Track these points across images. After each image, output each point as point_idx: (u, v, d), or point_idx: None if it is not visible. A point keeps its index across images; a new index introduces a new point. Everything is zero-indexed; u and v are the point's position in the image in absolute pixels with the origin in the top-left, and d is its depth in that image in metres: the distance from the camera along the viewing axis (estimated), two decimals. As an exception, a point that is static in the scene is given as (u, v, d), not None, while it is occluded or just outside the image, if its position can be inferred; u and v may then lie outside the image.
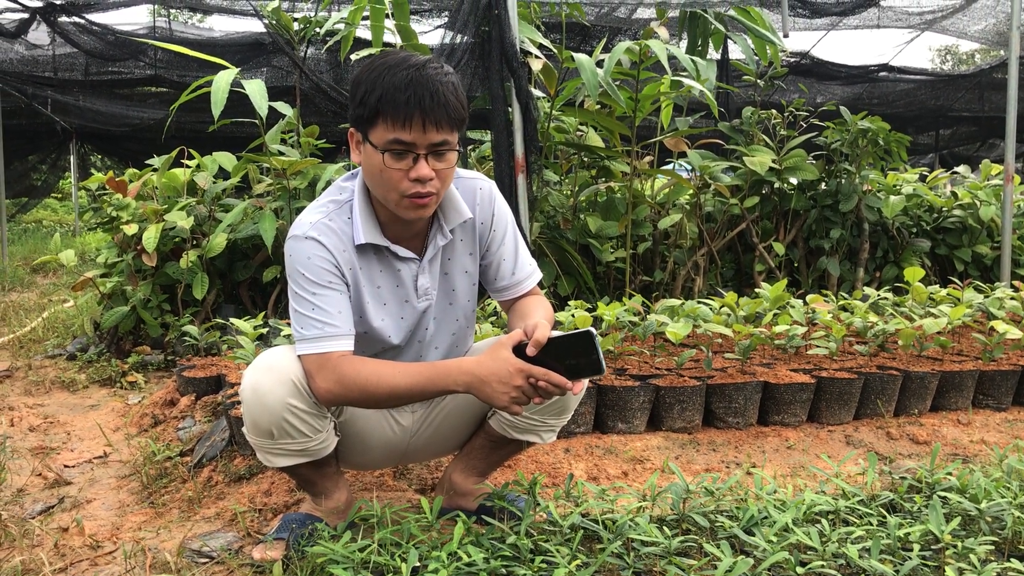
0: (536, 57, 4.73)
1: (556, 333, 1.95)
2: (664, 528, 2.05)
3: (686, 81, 4.73)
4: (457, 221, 2.17)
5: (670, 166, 6.21)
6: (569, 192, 5.61)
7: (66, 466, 3.20)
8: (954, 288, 4.64)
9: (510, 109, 4.71)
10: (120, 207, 5.14)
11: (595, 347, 1.86)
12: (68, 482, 3.02)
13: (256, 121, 4.62)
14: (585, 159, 5.63)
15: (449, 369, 1.98)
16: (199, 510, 2.67)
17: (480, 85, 5.01)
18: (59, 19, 8.32)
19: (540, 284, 2.39)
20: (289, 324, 3.51)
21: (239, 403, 3.11)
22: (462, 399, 2.34)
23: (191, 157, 5.50)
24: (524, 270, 2.31)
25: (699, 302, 4.03)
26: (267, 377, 2.03)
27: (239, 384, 3.42)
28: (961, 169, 7.14)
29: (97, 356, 4.91)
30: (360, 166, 2.07)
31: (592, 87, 4.34)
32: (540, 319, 2.05)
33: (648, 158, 6.03)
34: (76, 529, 2.54)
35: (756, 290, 4.42)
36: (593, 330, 1.88)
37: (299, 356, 2.03)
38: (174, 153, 5.30)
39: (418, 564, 1.86)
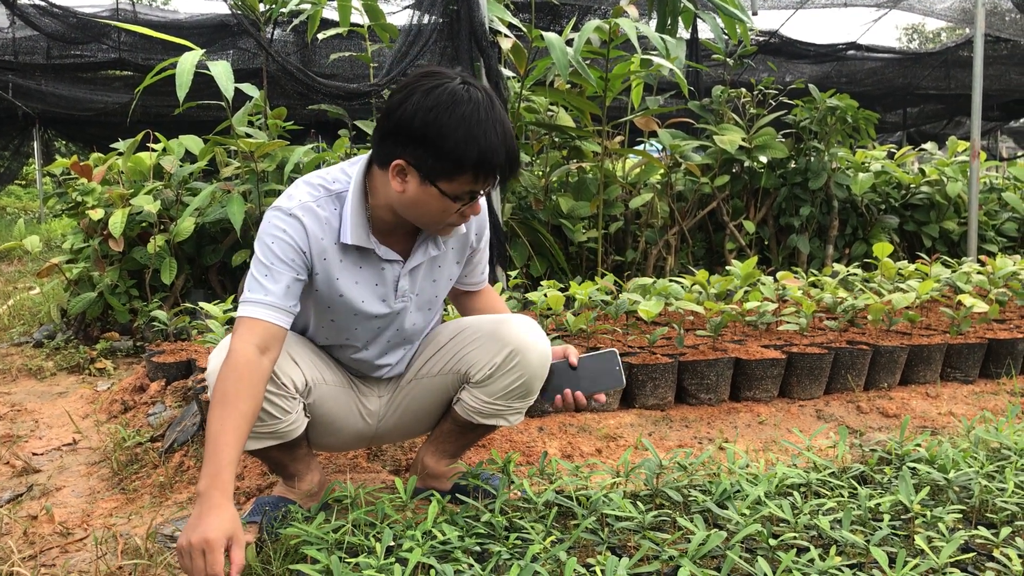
0: (506, 36, 4.70)
1: (584, 355, 2.25)
2: (638, 503, 2.06)
3: (656, 60, 4.73)
4: (453, 236, 2.20)
5: (641, 146, 6.20)
6: (541, 173, 5.60)
7: (34, 454, 3.16)
8: (922, 263, 4.68)
9: (480, 89, 4.67)
10: (85, 192, 5.06)
11: (617, 363, 2.21)
12: (37, 470, 2.99)
13: (222, 104, 4.56)
14: (556, 139, 5.62)
15: (211, 472, 1.77)
16: (171, 495, 2.65)
17: (449, 65, 4.97)
18: (19, 1, 8.15)
19: (512, 265, 2.43)
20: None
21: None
22: (426, 383, 2.33)
23: (157, 141, 5.42)
24: (485, 271, 2.42)
25: (671, 280, 4.04)
26: None
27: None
28: (928, 146, 7.21)
29: (64, 343, 4.85)
30: (390, 188, 2.00)
31: (562, 66, 4.32)
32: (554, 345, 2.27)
33: (619, 138, 6.02)
34: (45, 517, 2.50)
35: (727, 268, 4.44)
36: (615, 350, 2.22)
37: (236, 316, 1.99)
38: (139, 136, 5.22)
39: (393, 543, 1.86)
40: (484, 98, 1.90)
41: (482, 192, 1.98)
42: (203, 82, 4.76)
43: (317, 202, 2.06)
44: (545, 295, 3.66)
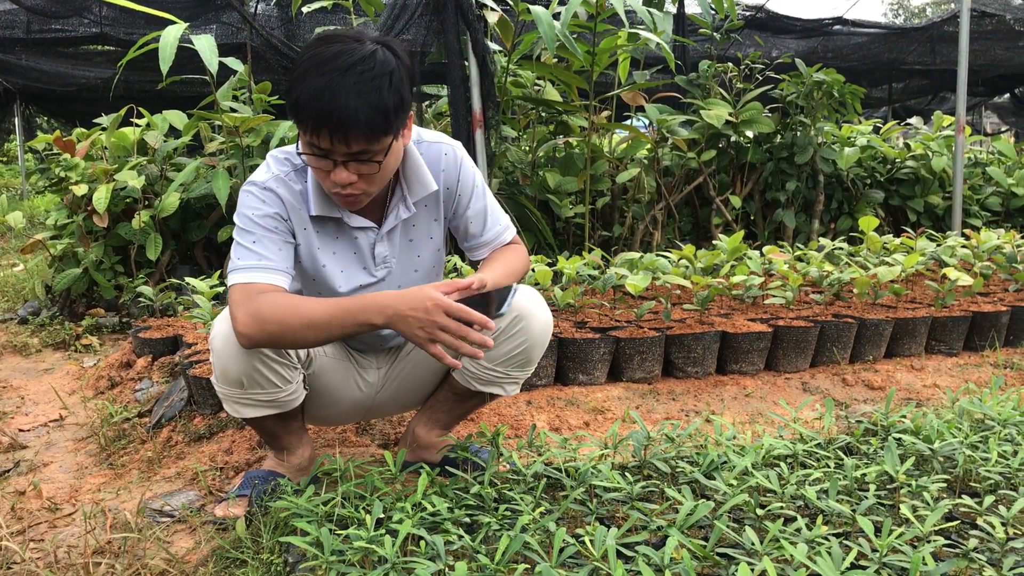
0: (492, 10, 4.67)
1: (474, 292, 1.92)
2: (626, 474, 2.07)
3: (643, 33, 4.70)
4: (422, 194, 2.13)
5: (629, 121, 6.19)
6: (527, 148, 5.58)
7: (21, 430, 3.15)
8: (907, 237, 4.71)
9: (466, 63, 4.65)
10: (69, 167, 5.01)
11: (508, 298, 1.93)
12: (24, 446, 2.98)
13: (206, 78, 4.51)
14: (543, 114, 5.60)
15: (369, 302, 1.86)
16: (159, 470, 2.64)
17: (435, 39, 4.94)
18: (-2, -26, 8.03)
19: None
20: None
21: (197, 363, 3.08)
22: (424, 353, 2.33)
23: (140, 116, 5.37)
24: (493, 230, 2.27)
25: (658, 255, 4.05)
26: None
27: (196, 344, 3.38)
28: (914, 121, 7.23)
29: (50, 320, 4.82)
30: None
31: (549, 40, 4.30)
32: (491, 273, 2.06)
33: (606, 113, 6.00)
34: (33, 492, 2.50)
35: (714, 242, 4.45)
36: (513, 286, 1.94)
37: (229, 287, 1.96)
38: (123, 111, 5.17)
39: (382, 515, 1.86)
40: (343, 58, 1.80)
41: (333, 153, 1.85)
42: (186, 57, 4.72)
43: (287, 176, 2.05)
44: (533, 270, 3.66)
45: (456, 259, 3.95)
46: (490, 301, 1.87)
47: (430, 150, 2.16)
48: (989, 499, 1.81)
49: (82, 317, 4.77)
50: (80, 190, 4.71)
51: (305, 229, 2.08)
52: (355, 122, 1.78)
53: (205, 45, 4.19)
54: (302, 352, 2.11)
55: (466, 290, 1.88)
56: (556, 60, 5.21)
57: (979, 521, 1.79)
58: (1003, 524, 1.77)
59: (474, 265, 2.38)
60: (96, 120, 5.50)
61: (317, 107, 1.79)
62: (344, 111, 1.78)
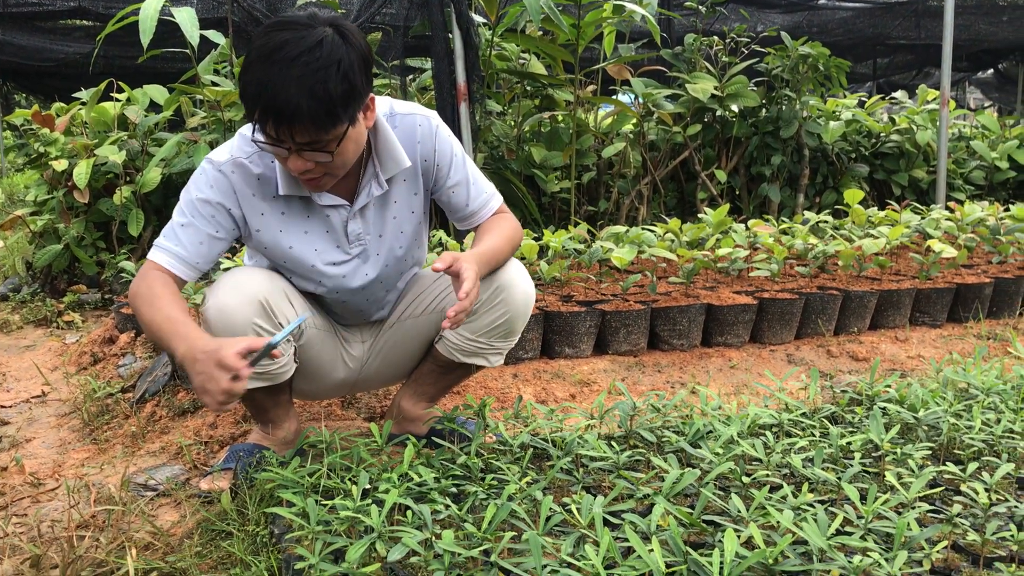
0: (476, -19, 4.63)
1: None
2: (612, 444, 2.07)
3: (628, 5, 4.67)
4: (395, 170, 2.08)
5: (614, 96, 6.16)
6: (513, 122, 5.55)
7: (3, 406, 3.12)
8: (892, 210, 4.72)
9: (450, 36, 4.61)
10: (48, 142, 4.95)
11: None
12: (5, 422, 2.95)
13: (187, 52, 4.46)
14: (528, 88, 5.56)
15: (182, 334, 1.81)
16: (143, 445, 2.63)
17: (419, 12, 4.89)
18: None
19: None
20: (230, 258, 3.45)
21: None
22: (410, 324, 2.33)
23: (120, 91, 5.30)
24: (479, 199, 2.23)
25: (644, 228, 4.04)
26: (233, 297, 1.99)
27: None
28: (898, 94, 7.23)
29: (31, 296, 4.78)
30: None
31: (535, 12, 4.27)
32: (484, 245, 2.05)
33: (591, 87, 5.97)
34: (16, 468, 2.48)
35: (699, 216, 4.44)
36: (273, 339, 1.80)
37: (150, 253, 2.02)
38: (102, 86, 5.10)
39: (369, 486, 1.86)
40: (286, 50, 1.75)
41: (277, 140, 1.83)
42: (167, 31, 4.65)
43: (250, 158, 2.02)
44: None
45: (441, 233, 3.93)
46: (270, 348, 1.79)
47: (404, 122, 2.11)
48: (973, 466, 1.82)
49: (64, 293, 4.72)
50: (60, 165, 4.65)
51: (263, 214, 2.05)
52: (297, 115, 1.75)
53: (186, 18, 4.14)
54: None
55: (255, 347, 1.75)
56: (541, 33, 5.17)
57: (963, 487, 1.81)
58: (986, 490, 1.78)
59: (462, 236, 2.37)
60: (76, 96, 5.43)
61: (261, 100, 1.76)
62: (286, 105, 1.74)
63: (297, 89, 1.73)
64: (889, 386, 2.55)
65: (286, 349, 2.10)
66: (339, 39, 1.80)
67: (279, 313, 2.04)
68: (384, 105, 2.10)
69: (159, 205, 4.99)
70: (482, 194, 2.24)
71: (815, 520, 1.52)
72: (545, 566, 1.42)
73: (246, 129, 2.02)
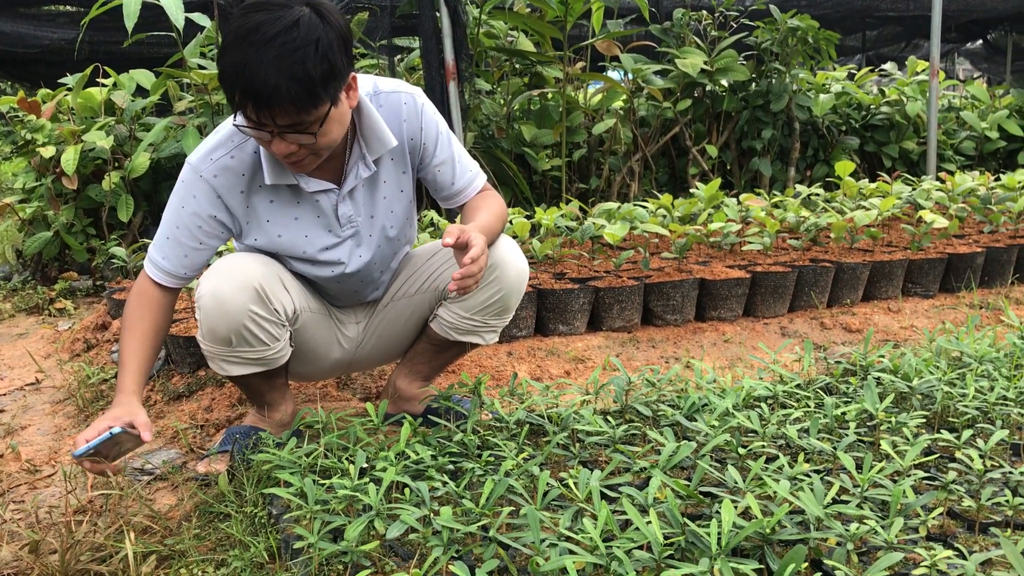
0: (462, -41, 4.59)
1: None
2: (608, 419, 2.07)
3: (616, -19, 4.65)
4: (381, 151, 2.06)
5: (604, 72, 6.13)
6: (502, 100, 5.52)
7: (-3, 394, 3.12)
8: (883, 182, 4.72)
9: (438, 14, 4.58)
10: (35, 129, 4.91)
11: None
12: (0, 410, 2.95)
13: (173, 36, 4.42)
14: (517, 66, 5.53)
15: (119, 384, 1.98)
16: (139, 429, 2.62)
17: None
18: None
19: None
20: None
21: (174, 322, 3.04)
22: (403, 304, 2.33)
23: (107, 76, 5.26)
24: (464, 177, 2.22)
25: (635, 204, 4.04)
26: (228, 283, 1.98)
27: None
28: (888, 66, 7.22)
29: (22, 284, 4.76)
30: None
31: (521, -12, 4.24)
32: (477, 222, 2.04)
33: (580, 63, 5.94)
34: (12, 455, 2.48)
35: (691, 192, 4.44)
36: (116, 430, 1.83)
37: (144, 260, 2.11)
38: (88, 71, 5.06)
39: (366, 465, 1.86)
40: (262, 32, 1.71)
41: (259, 124, 1.80)
42: (152, 15, 4.61)
43: (231, 153, 2.00)
44: (511, 222, 3.63)
45: (432, 213, 3.92)
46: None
47: (388, 100, 2.09)
48: (967, 433, 1.83)
49: (55, 281, 4.71)
50: (47, 152, 4.62)
51: (248, 206, 2.05)
52: (276, 97, 1.73)
53: (171, 1, 4.11)
54: (289, 308, 2.09)
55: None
56: (529, 10, 5.14)
57: (958, 455, 1.82)
58: (981, 456, 1.79)
59: (451, 215, 2.36)
60: (61, 82, 5.39)
61: (239, 83, 1.73)
62: (264, 87, 1.71)
63: (275, 70, 1.71)
64: (883, 356, 2.56)
65: (281, 335, 2.10)
66: (316, 18, 1.77)
67: (274, 299, 2.04)
68: (368, 84, 2.07)
69: (148, 190, 4.97)
70: (467, 172, 2.23)
71: (811, 489, 1.53)
72: (544, 540, 1.42)
73: (228, 121, 2.01)
